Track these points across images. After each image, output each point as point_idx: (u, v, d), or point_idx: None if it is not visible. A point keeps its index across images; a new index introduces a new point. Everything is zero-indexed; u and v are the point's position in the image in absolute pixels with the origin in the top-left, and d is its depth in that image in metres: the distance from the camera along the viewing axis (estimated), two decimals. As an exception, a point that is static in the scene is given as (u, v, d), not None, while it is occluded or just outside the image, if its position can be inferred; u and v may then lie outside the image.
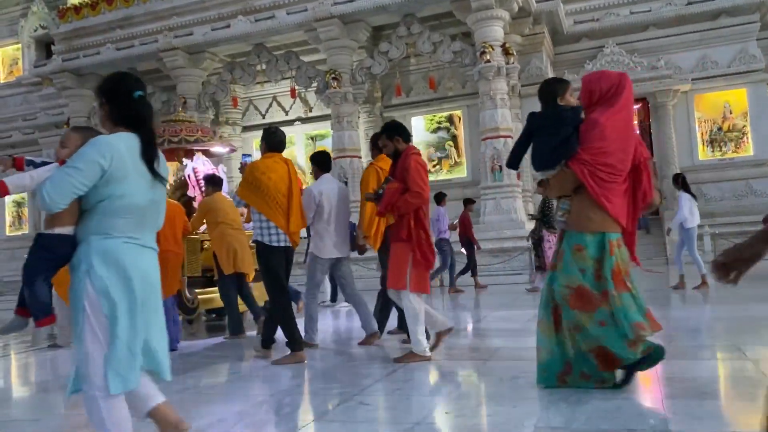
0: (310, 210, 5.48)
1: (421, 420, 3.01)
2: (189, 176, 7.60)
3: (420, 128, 15.53)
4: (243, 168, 5.46)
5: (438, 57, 13.60)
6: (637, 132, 15.27)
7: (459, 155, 15.28)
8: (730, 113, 15.46)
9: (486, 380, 3.94)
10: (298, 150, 16.92)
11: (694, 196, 9.04)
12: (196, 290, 7.10)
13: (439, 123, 15.42)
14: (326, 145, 16.16)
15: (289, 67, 14.60)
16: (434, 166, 15.33)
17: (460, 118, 15.27)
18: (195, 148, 7.77)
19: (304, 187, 5.87)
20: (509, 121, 13.02)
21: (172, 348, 5.77)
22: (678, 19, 15.37)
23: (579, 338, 3.36)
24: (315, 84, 14.39)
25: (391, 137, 4.76)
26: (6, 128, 20.81)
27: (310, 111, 16.58)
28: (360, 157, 14.26)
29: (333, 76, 13.73)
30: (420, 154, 4.82)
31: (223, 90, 15.24)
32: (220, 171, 7.85)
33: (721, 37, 15.35)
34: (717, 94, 15.53)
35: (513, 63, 13.04)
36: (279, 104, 17.06)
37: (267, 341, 5.16)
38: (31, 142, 20.21)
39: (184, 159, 7.75)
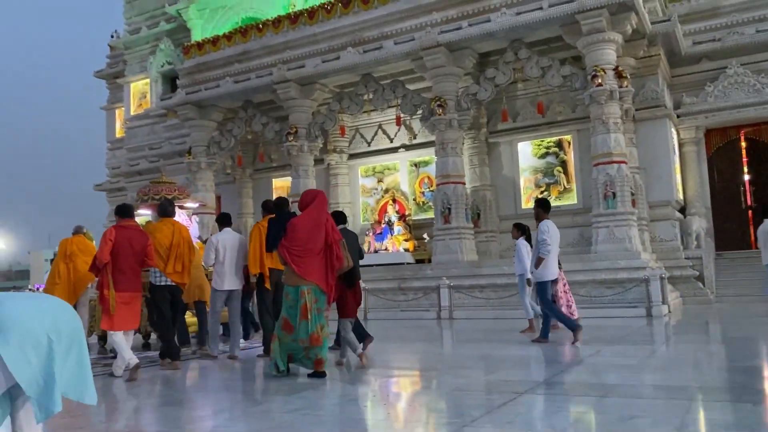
0: (210, 253, 7.49)
1: (535, 457, 2.86)
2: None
3: (527, 153, 15.22)
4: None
5: (546, 81, 13.31)
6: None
7: (569, 181, 14.78)
8: None
9: (602, 418, 3.71)
10: (401, 176, 17.08)
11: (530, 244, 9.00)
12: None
13: (548, 148, 15.03)
14: (429, 171, 16.20)
15: (395, 96, 14.82)
16: (542, 192, 14.93)
17: (569, 143, 14.81)
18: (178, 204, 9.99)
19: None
20: (623, 145, 12.48)
21: None
22: (812, 34, 14.22)
23: (286, 347, 5.66)
24: (420, 111, 14.50)
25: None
26: (134, 157, 22.52)
27: (415, 138, 16.72)
28: (464, 183, 14.15)
29: (438, 103, 13.78)
30: (116, 228, 6.41)
31: (331, 119, 15.69)
32: (193, 221, 10.75)
33: None
34: None
35: (626, 86, 12.52)
36: (384, 132, 17.34)
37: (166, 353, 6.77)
38: (155, 170, 21.69)
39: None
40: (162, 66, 22.60)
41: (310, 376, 5.53)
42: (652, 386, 4.86)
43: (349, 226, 17.18)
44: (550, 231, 7.63)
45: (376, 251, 16.15)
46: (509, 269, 12.81)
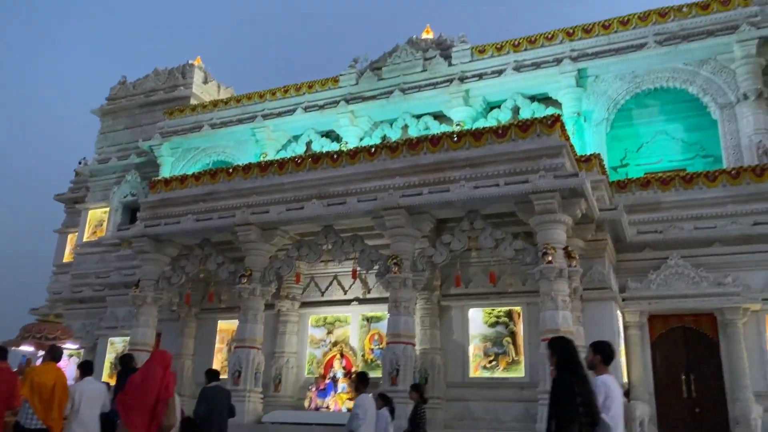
0: (69, 401, 7.71)
1: None
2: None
3: (478, 320, 15.32)
4: (21, 367, 8.83)
5: (499, 253, 13.78)
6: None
7: (517, 353, 14.76)
8: (808, 336, 14.67)
9: None
10: (352, 330, 16.85)
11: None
12: None
13: (498, 317, 15.18)
14: (381, 327, 16.06)
15: (354, 249, 15.06)
16: (490, 362, 14.84)
17: (519, 315, 15.01)
18: (55, 343, 10.58)
19: None
20: (570, 323, 12.72)
21: None
22: (744, 238, 15.30)
23: None
24: (376, 267, 14.68)
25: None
26: (79, 284, 21.82)
27: (369, 292, 16.75)
28: (414, 344, 14.01)
29: (395, 261, 14.02)
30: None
31: (288, 266, 15.71)
32: (72, 362, 11.53)
33: (793, 258, 15.08)
34: (791, 315, 14.90)
35: (575, 266, 13.05)
36: (339, 283, 17.37)
37: None
38: (98, 299, 20.98)
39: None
40: (125, 196, 22.77)
41: None
42: None
43: (293, 377, 16.71)
44: (365, 406, 8.48)
45: (317, 408, 15.45)
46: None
